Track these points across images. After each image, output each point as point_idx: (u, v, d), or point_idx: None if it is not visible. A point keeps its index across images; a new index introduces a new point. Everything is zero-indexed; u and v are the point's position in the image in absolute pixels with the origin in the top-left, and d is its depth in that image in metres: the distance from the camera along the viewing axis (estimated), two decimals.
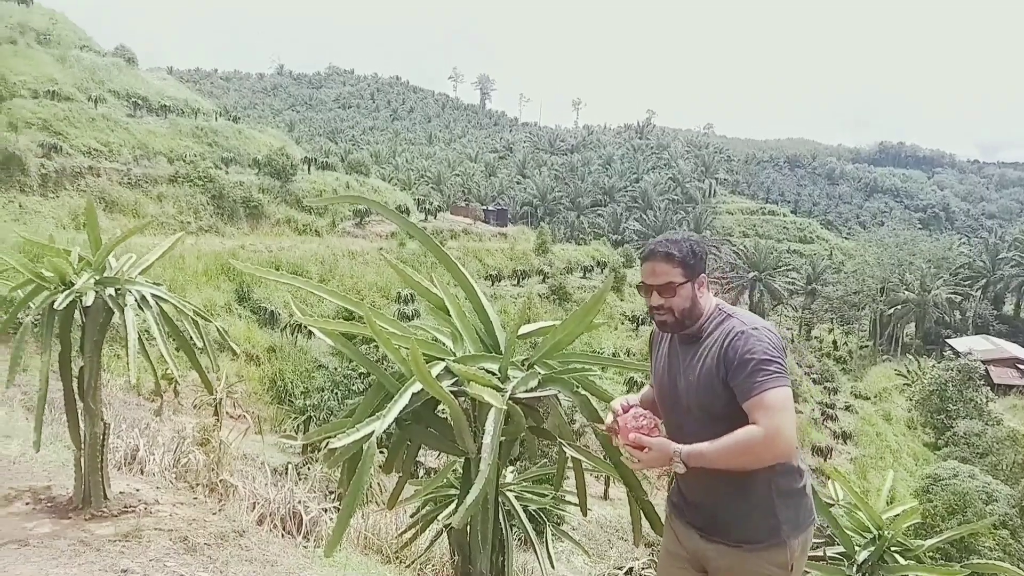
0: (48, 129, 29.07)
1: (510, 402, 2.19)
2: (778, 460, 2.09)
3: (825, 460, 28.54)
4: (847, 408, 37.66)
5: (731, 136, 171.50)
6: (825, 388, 40.38)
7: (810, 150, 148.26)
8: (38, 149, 27.05)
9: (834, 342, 59.42)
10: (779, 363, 2.11)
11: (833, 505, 3.63)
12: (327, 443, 2.23)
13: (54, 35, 37.55)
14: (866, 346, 60.86)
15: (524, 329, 2.52)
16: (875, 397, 43.66)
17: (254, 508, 4.32)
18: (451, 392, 2.25)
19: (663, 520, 2.48)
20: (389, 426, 2.17)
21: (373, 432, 2.10)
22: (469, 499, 1.99)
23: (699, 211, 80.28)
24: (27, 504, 3.69)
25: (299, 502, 4.42)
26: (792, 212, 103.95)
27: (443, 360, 2.30)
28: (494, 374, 2.33)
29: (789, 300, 66.36)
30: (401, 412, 2.18)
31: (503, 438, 2.26)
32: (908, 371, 45.89)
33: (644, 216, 72.39)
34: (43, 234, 20.80)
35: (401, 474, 2.68)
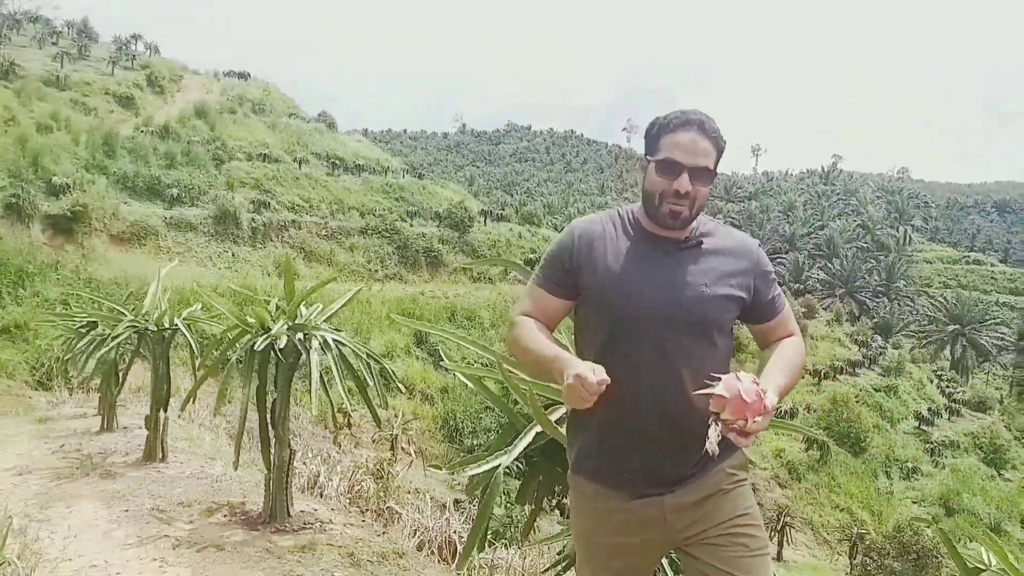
0: (259, 188, 32.57)
1: None
2: None
3: None
4: None
5: (929, 180, 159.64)
6: None
7: (1022, 194, 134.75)
8: (250, 205, 30.38)
9: None
10: None
11: (984, 571, 3.49)
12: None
13: (267, 105, 42.14)
14: None
15: None
16: None
17: (415, 534, 4.74)
18: None
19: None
20: (516, 460, 2.46)
21: (500, 464, 2.41)
22: None
23: (892, 259, 75.02)
24: (225, 516, 4.32)
25: (454, 532, 4.79)
26: (1002, 261, 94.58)
27: (564, 404, 2.57)
28: None
29: (998, 357, 60.14)
30: (527, 449, 2.47)
31: None
32: None
33: (829, 264, 68.69)
34: (252, 280, 23.29)
35: (533, 507, 2.96)
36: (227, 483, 5.13)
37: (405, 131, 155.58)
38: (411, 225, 34.83)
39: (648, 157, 1.88)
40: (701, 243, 1.90)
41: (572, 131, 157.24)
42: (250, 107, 40.34)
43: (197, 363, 5.21)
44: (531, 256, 35.69)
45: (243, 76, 46.47)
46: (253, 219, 30.03)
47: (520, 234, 38.90)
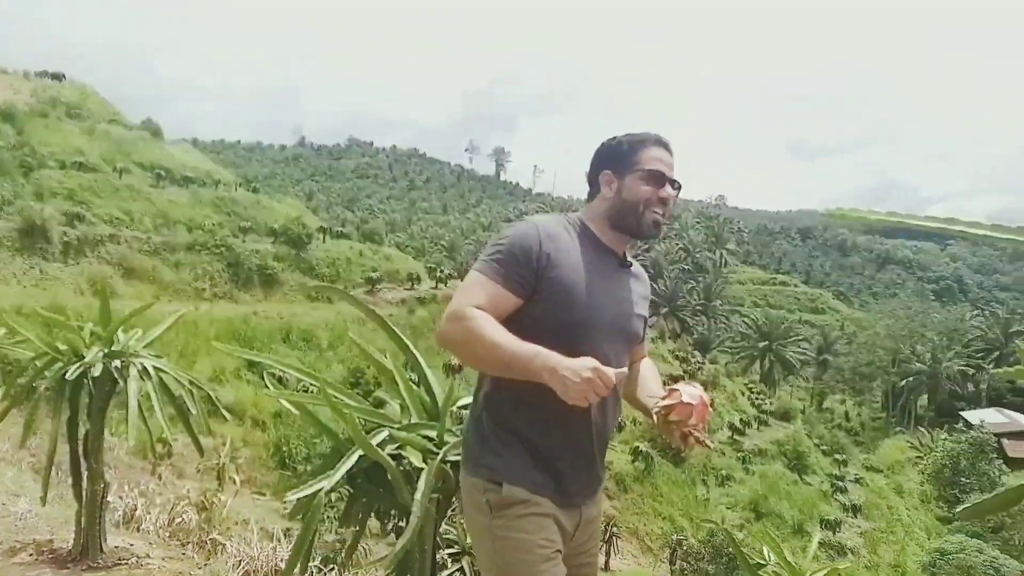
0: (73, 199, 30.18)
1: (441, 464, 2.58)
2: None
3: (834, 534, 28.15)
4: (857, 481, 37.22)
5: (743, 207, 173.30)
6: (835, 460, 39.99)
7: (821, 221, 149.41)
8: (62, 218, 28.04)
9: (846, 413, 59.02)
10: None
11: (765, 566, 3.95)
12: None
13: (84, 109, 39.18)
14: (879, 418, 60.41)
15: (463, 400, 2.93)
16: (887, 470, 43.22)
17: (239, 565, 4.66)
18: (397, 455, 2.66)
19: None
20: (338, 484, 2.56)
21: (322, 488, 2.50)
22: (397, 547, 2.37)
23: (709, 281, 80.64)
24: (30, 555, 4.07)
25: (281, 560, 4.75)
26: (804, 283, 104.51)
27: (387, 428, 2.70)
28: (432, 439, 2.72)
29: (800, 371, 66.14)
30: (349, 471, 2.57)
31: (437, 495, 2.65)
32: (921, 444, 45.43)
33: (655, 285, 72.71)
34: (63, 300, 21.49)
35: (357, 528, 3.05)
36: (33, 520, 4.81)
37: (239, 142, 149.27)
38: (244, 241, 33.47)
39: (620, 171, 2.00)
40: (632, 265, 2.09)
41: (415, 149, 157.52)
42: (64, 111, 37.34)
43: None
44: (372, 275, 35.28)
45: (57, 77, 42.94)
46: (65, 233, 27.74)
47: (361, 252, 38.36)
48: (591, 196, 2.09)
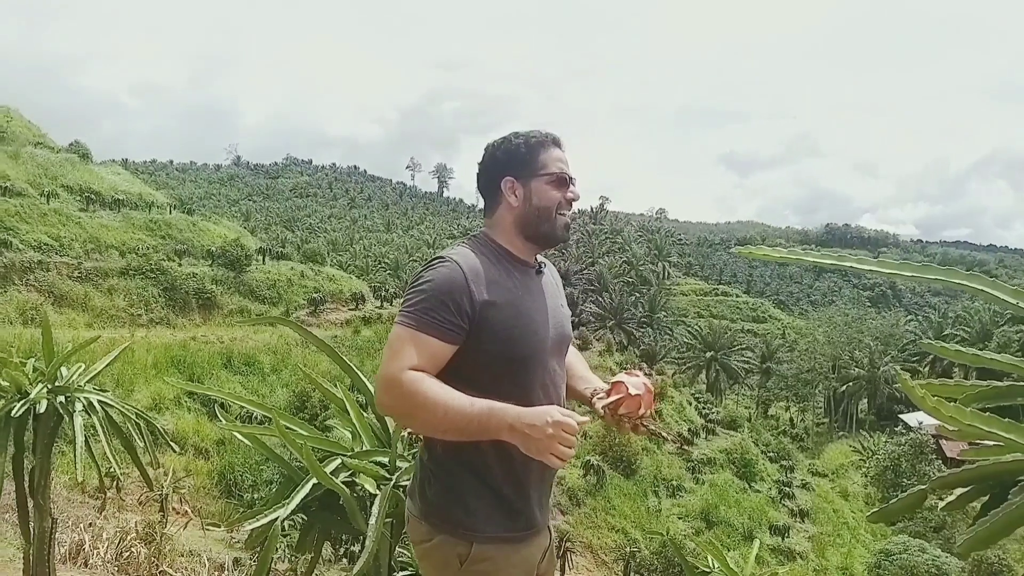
0: None
1: (394, 489, 2.65)
2: None
3: (783, 539, 28.63)
4: (804, 486, 37.94)
5: (683, 220, 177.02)
6: (782, 466, 40.73)
7: (760, 232, 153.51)
8: None
9: (791, 420, 60.34)
10: None
11: (710, 574, 4.11)
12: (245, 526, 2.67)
13: (8, 132, 37.93)
14: (822, 423, 61.95)
15: None
16: (832, 474, 44.26)
17: None
18: (351, 482, 2.73)
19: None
20: (294, 512, 2.61)
21: (278, 517, 2.55)
22: (354, 571, 2.43)
23: (653, 293, 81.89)
24: None
25: None
26: (745, 292, 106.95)
27: (339, 456, 2.76)
28: (384, 465, 2.80)
29: (745, 379, 67.39)
30: (304, 500, 2.63)
31: (391, 519, 2.72)
32: (863, 447, 46.64)
33: (600, 299, 73.57)
34: None
35: (312, 555, 3.10)
36: None
37: (171, 162, 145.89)
38: (180, 265, 32.77)
39: (523, 176, 1.88)
40: (539, 267, 1.95)
41: (355, 167, 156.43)
42: None
43: None
44: (314, 296, 34.86)
45: None
46: None
47: (303, 273, 37.91)
48: (491, 207, 1.94)
